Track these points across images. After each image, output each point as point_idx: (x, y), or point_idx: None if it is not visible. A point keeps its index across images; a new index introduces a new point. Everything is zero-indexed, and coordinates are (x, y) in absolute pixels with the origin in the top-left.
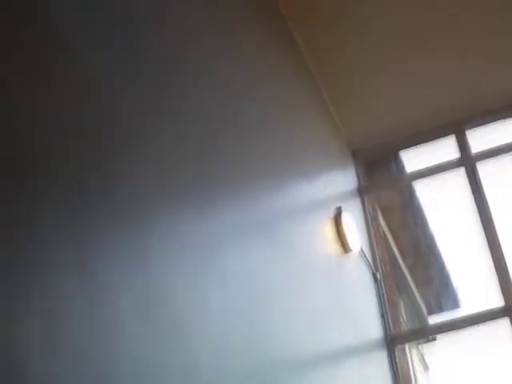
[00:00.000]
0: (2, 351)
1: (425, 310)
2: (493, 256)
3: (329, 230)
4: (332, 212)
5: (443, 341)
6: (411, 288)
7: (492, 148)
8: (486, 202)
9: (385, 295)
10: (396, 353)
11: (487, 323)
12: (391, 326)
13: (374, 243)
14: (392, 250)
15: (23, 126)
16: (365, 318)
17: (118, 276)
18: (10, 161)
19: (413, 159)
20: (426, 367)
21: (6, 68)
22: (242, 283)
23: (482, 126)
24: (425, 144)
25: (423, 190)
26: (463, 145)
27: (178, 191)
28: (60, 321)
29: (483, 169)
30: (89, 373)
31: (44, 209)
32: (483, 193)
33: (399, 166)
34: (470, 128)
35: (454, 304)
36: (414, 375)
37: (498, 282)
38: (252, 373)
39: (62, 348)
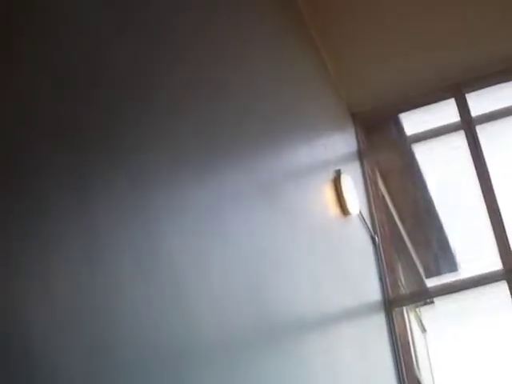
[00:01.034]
0: (1, 311)
1: (423, 273)
2: (491, 219)
3: (328, 193)
4: (331, 175)
5: (441, 304)
6: (410, 251)
7: (492, 111)
8: (486, 166)
9: (383, 258)
10: (394, 315)
11: (485, 286)
12: (389, 288)
13: (373, 206)
14: (391, 213)
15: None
16: (363, 281)
17: (118, 235)
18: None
19: (413, 122)
20: (423, 330)
21: None
22: (242, 244)
23: (483, 90)
24: (425, 107)
25: (423, 153)
26: (463, 108)
27: (178, 152)
28: (59, 279)
29: (483, 132)
30: (88, 332)
31: (44, 159)
32: (483, 156)
33: (399, 128)
34: (470, 91)
35: (453, 267)
36: (412, 338)
37: (496, 245)
38: (252, 333)
39: (61, 307)
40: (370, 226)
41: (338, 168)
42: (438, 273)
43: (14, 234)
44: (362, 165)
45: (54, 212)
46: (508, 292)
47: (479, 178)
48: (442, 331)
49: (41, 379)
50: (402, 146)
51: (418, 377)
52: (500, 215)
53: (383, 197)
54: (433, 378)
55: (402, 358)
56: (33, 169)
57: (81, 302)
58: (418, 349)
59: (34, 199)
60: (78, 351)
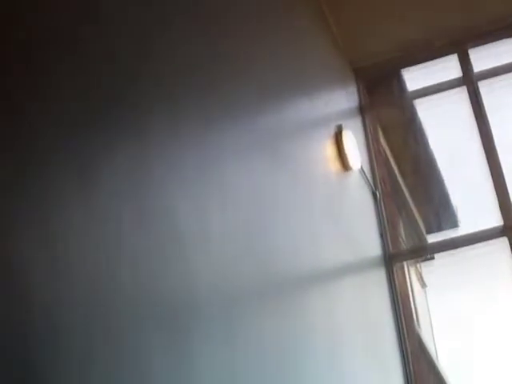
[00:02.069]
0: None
1: (424, 229)
2: (493, 176)
3: (329, 148)
4: (332, 130)
5: (441, 260)
6: (410, 207)
7: (494, 67)
8: (487, 122)
9: (384, 214)
10: (394, 270)
11: (486, 242)
12: (390, 244)
13: (375, 162)
14: (392, 169)
15: None
16: (364, 236)
17: (119, 185)
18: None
19: (415, 78)
20: (423, 285)
21: None
22: (242, 198)
23: (485, 46)
24: (427, 63)
25: (424, 109)
26: (465, 64)
27: (180, 104)
28: (58, 228)
29: (485, 88)
30: (88, 282)
31: (46, 109)
32: (484, 112)
33: (401, 84)
34: (472, 47)
35: (453, 223)
36: (412, 293)
37: (497, 201)
38: (251, 286)
39: (60, 256)
40: (371, 181)
41: (339, 123)
42: (439, 229)
43: (13, 183)
44: (363, 120)
45: (53, 159)
46: (508, 248)
47: (481, 134)
48: (442, 287)
49: (39, 327)
50: (404, 102)
51: (418, 331)
52: (501, 172)
53: (384, 152)
54: (432, 332)
55: (402, 312)
56: (33, 118)
57: (80, 251)
58: (418, 304)
59: (34, 147)
60: (76, 300)
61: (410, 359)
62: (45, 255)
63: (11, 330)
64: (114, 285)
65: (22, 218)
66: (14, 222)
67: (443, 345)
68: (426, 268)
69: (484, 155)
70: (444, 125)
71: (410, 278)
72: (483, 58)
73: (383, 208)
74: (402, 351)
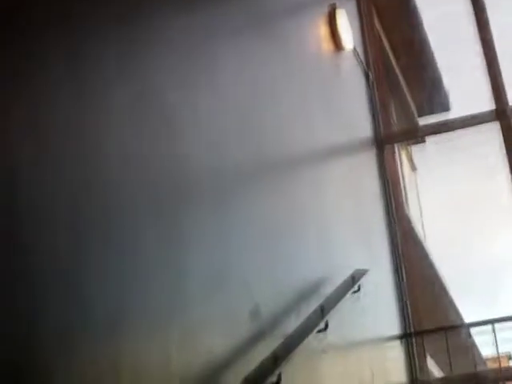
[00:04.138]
0: None
1: (415, 112)
2: (486, 60)
3: (322, 27)
4: (326, 9)
5: (432, 143)
6: (403, 90)
7: None
8: (484, 6)
9: (376, 96)
10: (385, 153)
11: (477, 127)
12: (381, 126)
13: (368, 43)
14: (385, 50)
15: None
16: (356, 118)
17: (107, 71)
18: None
19: None
20: (414, 168)
21: None
22: (233, 79)
23: None
24: None
25: None
26: None
27: None
28: (47, 111)
29: None
30: (76, 162)
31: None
32: None
33: None
34: None
35: (445, 107)
36: (402, 175)
37: (489, 85)
38: (243, 167)
39: (47, 146)
40: (363, 62)
41: (333, 1)
42: (431, 112)
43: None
44: (357, 1)
45: (43, 43)
46: (500, 133)
47: (476, 18)
48: (432, 170)
49: (26, 224)
50: None
51: (407, 213)
52: (495, 56)
53: (378, 34)
54: (421, 214)
55: (391, 194)
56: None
57: (68, 135)
58: (407, 186)
59: (25, 32)
60: (64, 180)
61: (399, 240)
62: (30, 147)
63: None
64: (102, 168)
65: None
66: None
67: (431, 227)
68: (417, 152)
69: (478, 37)
70: (439, 7)
71: (400, 160)
72: None
73: (375, 89)
74: (391, 232)
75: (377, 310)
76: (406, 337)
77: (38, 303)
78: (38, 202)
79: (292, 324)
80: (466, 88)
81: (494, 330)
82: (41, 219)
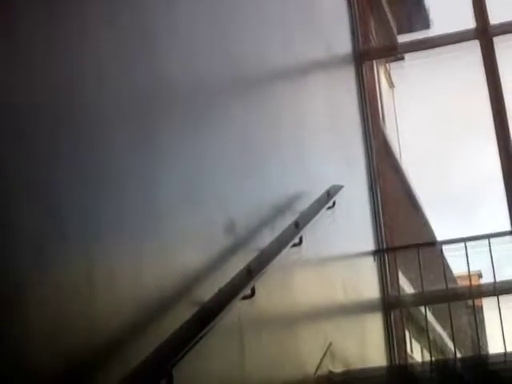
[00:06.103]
0: None
1: (395, 29)
2: None
3: None
4: None
5: (411, 61)
6: (383, 6)
7: None
8: None
9: (356, 12)
10: (364, 69)
11: (457, 45)
12: (361, 42)
13: None
14: None
15: None
16: (335, 33)
17: None
18: None
19: None
20: (391, 85)
21: None
22: None
23: None
24: None
25: None
26: None
27: None
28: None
29: None
30: (54, 76)
31: None
32: None
33: None
34: None
35: (425, 24)
36: (380, 92)
37: (471, 3)
38: (220, 81)
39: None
40: None
41: None
42: (411, 30)
43: None
44: None
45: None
46: (479, 51)
47: None
48: (410, 88)
49: (1, 134)
50: None
51: (383, 129)
52: None
53: None
54: (398, 132)
55: (368, 110)
56: None
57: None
58: (385, 103)
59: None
60: (41, 107)
61: (375, 156)
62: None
63: None
64: (78, 81)
65: None
66: None
67: (407, 146)
68: (396, 69)
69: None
70: None
71: (378, 77)
72: None
73: (355, 5)
74: (367, 148)
75: (351, 226)
76: (379, 253)
77: (12, 214)
78: (15, 111)
79: (267, 239)
80: (447, 6)
81: (466, 248)
82: (16, 129)
